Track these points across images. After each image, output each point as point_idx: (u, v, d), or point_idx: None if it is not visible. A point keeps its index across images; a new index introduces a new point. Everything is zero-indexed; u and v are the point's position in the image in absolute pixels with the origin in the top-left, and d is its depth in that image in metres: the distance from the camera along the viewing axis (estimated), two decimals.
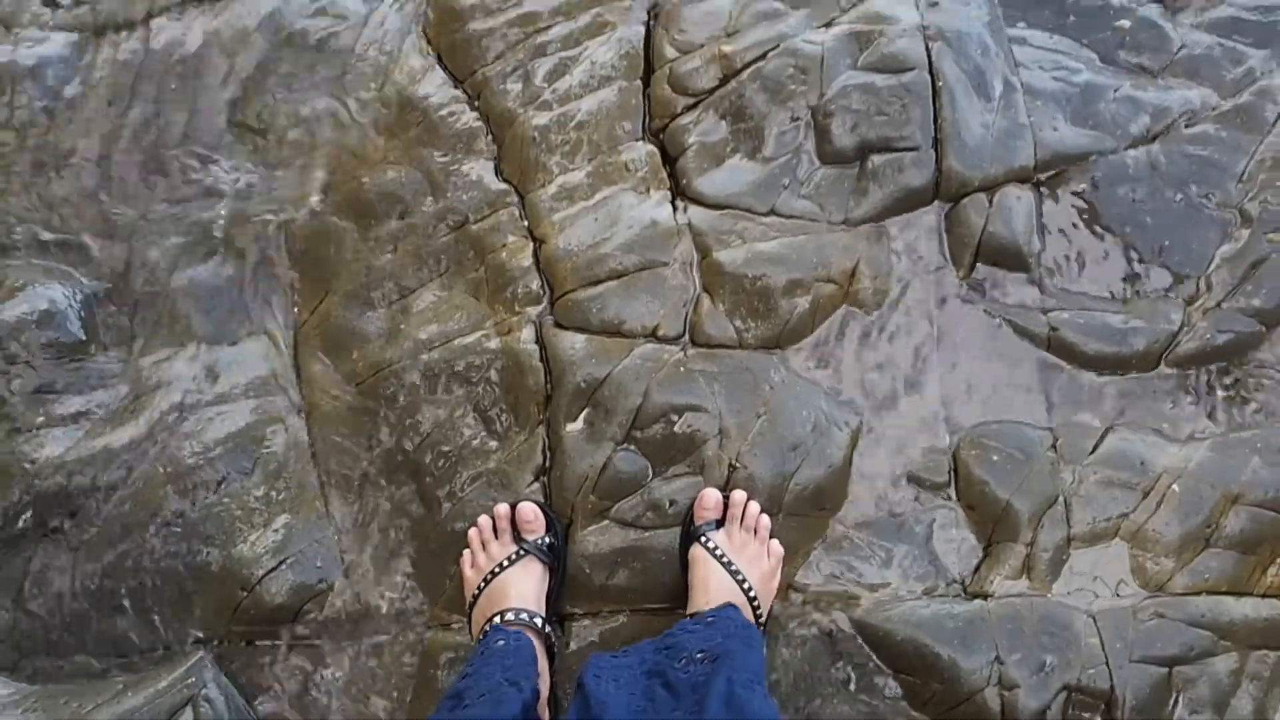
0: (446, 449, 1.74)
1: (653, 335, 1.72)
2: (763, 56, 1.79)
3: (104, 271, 1.94)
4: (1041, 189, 1.78)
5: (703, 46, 1.83)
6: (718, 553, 1.60)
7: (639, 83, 1.85)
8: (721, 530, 1.63)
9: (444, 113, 1.91)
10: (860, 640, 1.67)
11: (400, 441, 1.76)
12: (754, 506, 1.65)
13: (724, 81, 1.80)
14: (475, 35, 1.94)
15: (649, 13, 1.91)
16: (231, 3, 2.08)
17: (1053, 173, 1.78)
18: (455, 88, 1.93)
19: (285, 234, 1.94)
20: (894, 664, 1.67)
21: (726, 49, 1.80)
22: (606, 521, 1.68)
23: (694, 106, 1.81)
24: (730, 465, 1.68)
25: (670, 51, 1.85)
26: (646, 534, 1.67)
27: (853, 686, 1.67)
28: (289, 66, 2.03)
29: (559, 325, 1.75)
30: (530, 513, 1.63)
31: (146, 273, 1.93)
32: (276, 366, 1.86)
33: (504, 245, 1.80)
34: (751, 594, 1.58)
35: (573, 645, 1.67)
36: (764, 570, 1.62)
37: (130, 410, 1.83)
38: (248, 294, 1.91)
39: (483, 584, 1.61)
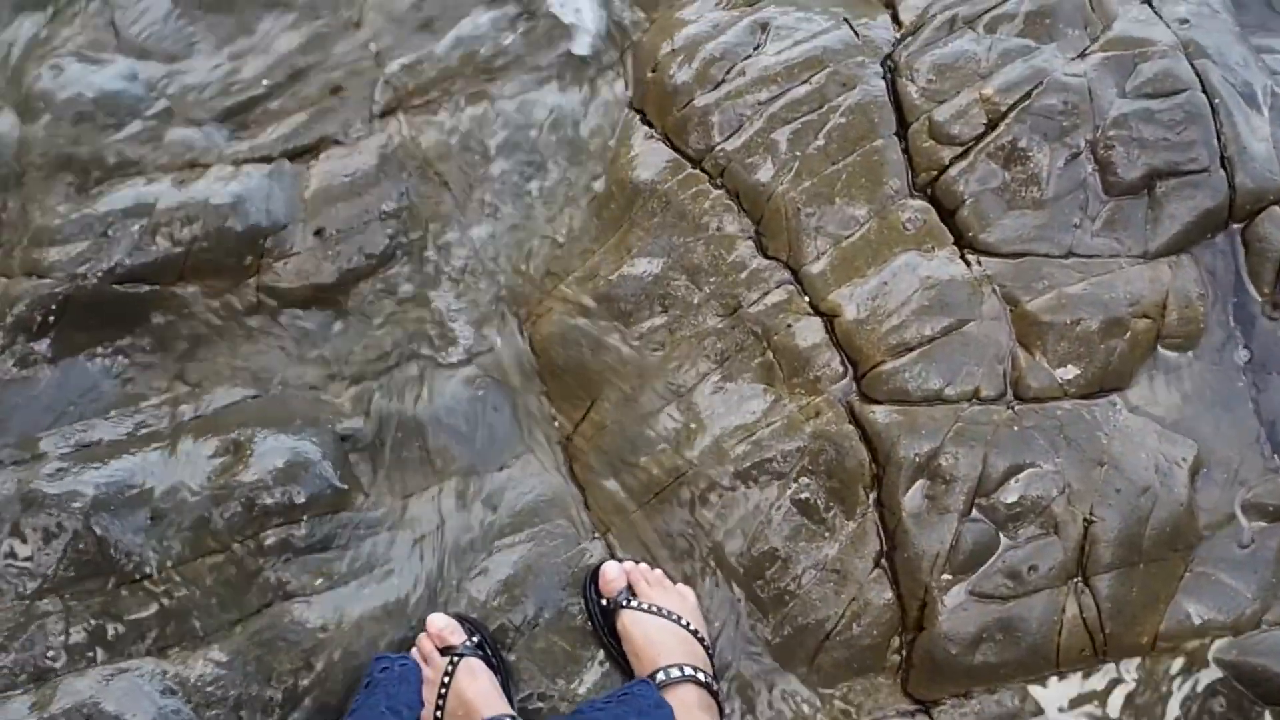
0: (774, 548, 1.65)
1: (975, 397, 1.65)
2: (1027, 95, 1.73)
3: (346, 409, 1.81)
4: None
5: (959, 93, 1.77)
6: (645, 607, 1.56)
7: (894, 138, 1.78)
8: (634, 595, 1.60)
9: (685, 196, 1.82)
10: (1229, 679, 1.62)
11: (722, 546, 1.67)
12: (644, 565, 1.64)
13: (991, 126, 1.74)
14: (701, 111, 1.85)
15: (884, 65, 1.84)
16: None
17: None
18: (693, 168, 1.84)
19: (532, 343, 1.84)
20: (1269, 698, 1.62)
21: (988, 91, 1.74)
22: (965, 598, 1.60)
23: (963, 155, 1.74)
24: (1085, 520, 1.61)
25: (922, 101, 1.78)
26: (1008, 604, 1.60)
27: None
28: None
29: (871, 400, 1.67)
30: (440, 622, 1.56)
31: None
32: (555, 488, 1.75)
33: (788, 326, 1.72)
34: (691, 628, 1.56)
35: None
36: (690, 607, 1.60)
37: (406, 557, 1.70)
38: (505, 415, 1.80)
39: (440, 702, 1.51)
